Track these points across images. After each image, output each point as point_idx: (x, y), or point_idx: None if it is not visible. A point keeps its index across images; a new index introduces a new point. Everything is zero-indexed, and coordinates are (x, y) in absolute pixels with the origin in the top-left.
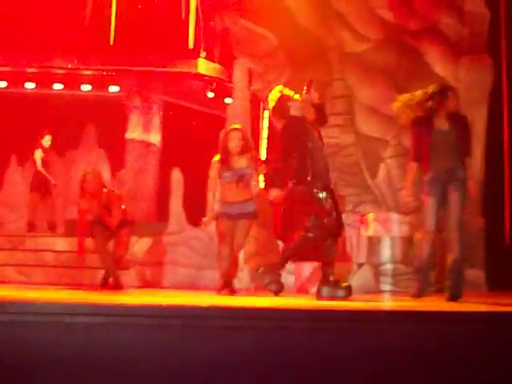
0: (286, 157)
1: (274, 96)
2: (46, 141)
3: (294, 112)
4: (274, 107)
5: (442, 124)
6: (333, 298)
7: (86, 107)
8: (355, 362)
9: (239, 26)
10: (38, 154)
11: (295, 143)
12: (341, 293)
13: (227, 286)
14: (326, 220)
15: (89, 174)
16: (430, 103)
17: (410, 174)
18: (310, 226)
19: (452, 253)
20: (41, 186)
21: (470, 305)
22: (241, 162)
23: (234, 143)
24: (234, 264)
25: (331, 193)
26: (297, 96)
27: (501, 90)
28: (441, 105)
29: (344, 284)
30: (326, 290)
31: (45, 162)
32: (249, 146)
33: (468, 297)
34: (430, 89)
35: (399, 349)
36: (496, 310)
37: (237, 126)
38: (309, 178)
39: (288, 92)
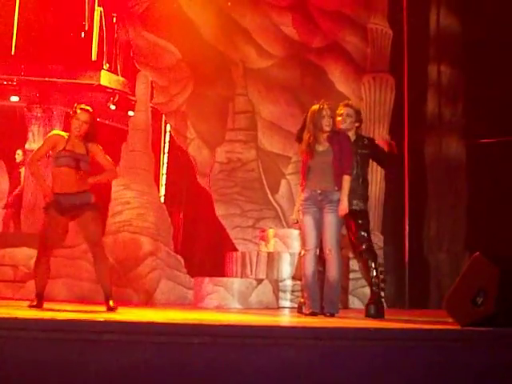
0: None
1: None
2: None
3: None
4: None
5: (322, 144)
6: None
7: None
8: (248, 379)
9: (143, 38)
10: None
11: None
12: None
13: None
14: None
15: None
16: (308, 125)
17: (298, 195)
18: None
19: (329, 272)
20: None
21: (355, 321)
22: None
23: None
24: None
25: None
26: None
27: (402, 108)
28: (320, 125)
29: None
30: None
31: None
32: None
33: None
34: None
35: (294, 364)
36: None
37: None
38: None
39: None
